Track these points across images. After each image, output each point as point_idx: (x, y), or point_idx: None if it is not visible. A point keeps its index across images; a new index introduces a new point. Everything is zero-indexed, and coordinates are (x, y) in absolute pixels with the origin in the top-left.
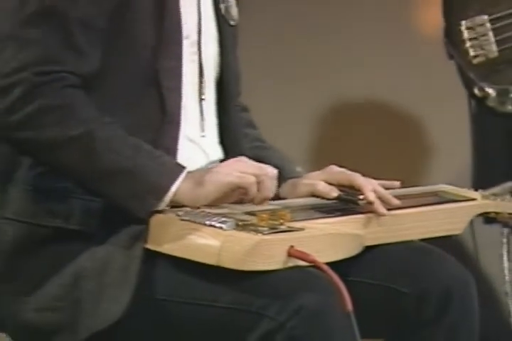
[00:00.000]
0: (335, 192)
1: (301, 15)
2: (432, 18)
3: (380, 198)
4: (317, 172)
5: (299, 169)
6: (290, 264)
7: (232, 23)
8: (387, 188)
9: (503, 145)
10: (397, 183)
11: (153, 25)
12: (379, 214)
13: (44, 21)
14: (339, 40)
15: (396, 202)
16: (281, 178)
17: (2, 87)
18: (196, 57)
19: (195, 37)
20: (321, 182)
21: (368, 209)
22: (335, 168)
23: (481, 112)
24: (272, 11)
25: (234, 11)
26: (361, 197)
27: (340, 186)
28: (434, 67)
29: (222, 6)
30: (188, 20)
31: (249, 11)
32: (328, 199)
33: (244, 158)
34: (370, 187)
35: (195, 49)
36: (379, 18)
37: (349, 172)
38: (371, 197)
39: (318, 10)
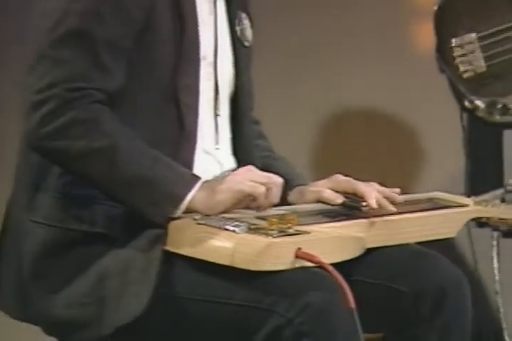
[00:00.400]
0: (340, 199)
1: (306, 28)
2: (427, 34)
3: (379, 204)
4: (323, 181)
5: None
6: (297, 265)
7: (246, 44)
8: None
9: (493, 154)
10: (397, 190)
11: (173, 46)
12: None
13: (74, 42)
14: (340, 53)
15: (392, 209)
16: (290, 186)
17: (35, 101)
18: (212, 76)
19: (211, 58)
20: (327, 189)
21: (369, 214)
22: (340, 177)
23: (472, 123)
24: (280, 23)
25: (248, 33)
26: (364, 203)
27: (344, 193)
28: (429, 79)
29: (237, 29)
30: (206, 42)
31: (259, 24)
32: (333, 205)
33: (253, 168)
34: (373, 195)
35: (212, 69)
36: (379, 33)
37: (353, 180)
38: (373, 204)
39: (322, 24)
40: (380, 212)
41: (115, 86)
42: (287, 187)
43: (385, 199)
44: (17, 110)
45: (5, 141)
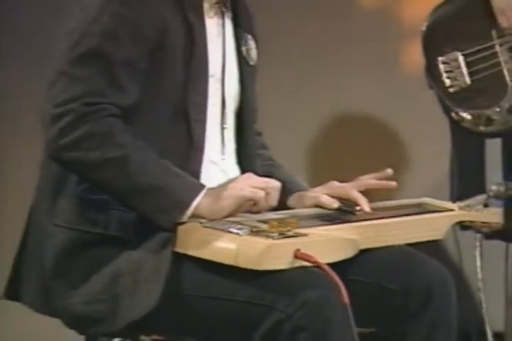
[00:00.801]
0: (336, 204)
1: (310, 40)
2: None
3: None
4: (320, 187)
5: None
6: (296, 265)
7: (251, 63)
8: (380, 179)
9: (476, 162)
10: (389, 171)
11: (183, 65)
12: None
13: (92, 61)
14: (338, 68)
15: (393, 184)
16: (290, 191)
17: (55, 114)
18: (220, 92)
19: (219, 75)
20: (324, 195)
21: (362, 218)
22: (335, 183)
23: (458, 134)
24: (285, 37)
25: (253, 53)
26: (358, 208)
27: (339, 199)
28: (419, 94)
29: (243, 49)
30: (214, 61)
31: (267, 35)
32: (329, 209)
33: (252, 175)
34: (365, 199)
35: (219, 85)
36: (377, 52)
37: (347, 187)
38: (367, 208)
39: (325, 36)
40: (371, 216)
41: (129, 102)
42: (287, 192)
43: (376, 182)
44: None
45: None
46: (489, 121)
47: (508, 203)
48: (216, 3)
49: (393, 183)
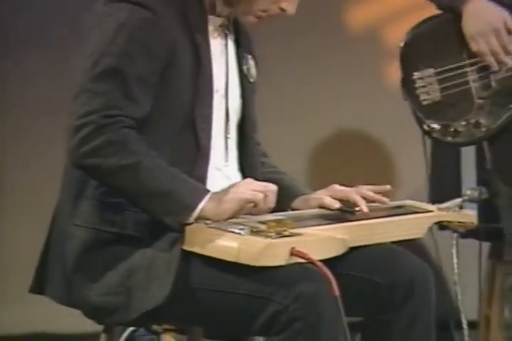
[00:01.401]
0: (338, 205)
1: (308, 64)
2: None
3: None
4: (323, 190)
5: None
6: (292, 261)
7: (251, 80)
8: (378, 193)
9: (453, 169)
10: (388, 187)
11: (191, 81)
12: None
13: (110, 78)
14: (331, 92)
15: (386, 200)
16: (294, 195)
17: (76, 125)
18: (223, 106)
19: (223, 91)
20: (327, 196)
21: (353, 218)
22: (336, 187)
23: (435, 143)
24: (282, 58)
25: (253, 72)
26: (357, 208)
27: (340, 200)
28: (398, 105)
29: (244, 68)
30: (218, 78)
31: (264, 59)
32: (332, 209)
33: (251, 179)
34: (364, 201)
35: (223, 100)
36: (365, 72)
37: (347, 190)
38: (365, 209)
39: (320, 59)
40: (364, 216)
41: (142, 114)
42: (292, 196)
43: (374, 195)
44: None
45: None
46: (456, 132)
47: (481, 206)
48: (220, 26)
49: (386, 199)
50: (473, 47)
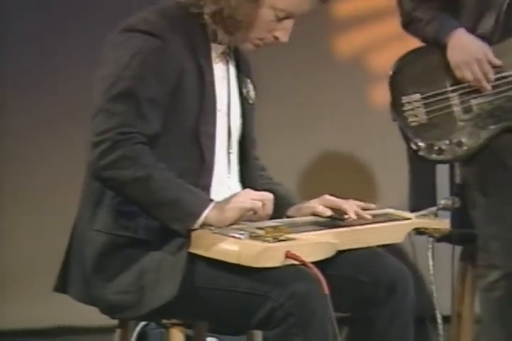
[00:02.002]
0: (329, 212)
1: (299, 90)
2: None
3: (359, 215)
4: (315, 200)
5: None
6: (287, 263)
7: (250, 102)
8: (363, 208)
9: (429, 182)
10: (373, 205)
11: (196, 101)
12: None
13: (124, 99)
14: (321, 112)
15: (368, 217)
16: (289, 204)
17: (95, 141)
18: (226, 124)
19: (225, 110)
20: (320, 205)
21: (342, 225)
22: (328, 197)
23: (415, 159)
24: (277, 85)
25: (252, 94)
26: (346, 216)
27: (331, 209)
28: (385, 128)
29: (244, 90)
30: (221, 99)
31: (263, 86)
32: (323, 217)
33: (250, 190)
34: (352, 209)
35: (225, 118)
36: (352, 95)
37: (337, 199)
38: (353, 216)
39: (309, 92)
40: (353, 223)
41: (153, 131)
42: (287, 205)
43: (361, 211)
44: None
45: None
46: (440, 151)
47: (454, 213)
48: (222, 53)
49: (368, 217)
50: (458, 74)
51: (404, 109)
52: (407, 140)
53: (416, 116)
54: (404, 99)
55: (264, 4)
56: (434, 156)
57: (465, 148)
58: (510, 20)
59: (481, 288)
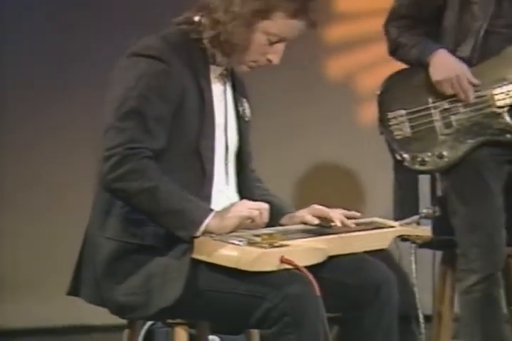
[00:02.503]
0: (317, 221)
1: (291, 107)
2: (370, 111)
3: (344, 223)
4: (304, 209)
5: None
6: (281, 267)
7: (246, 119)
8: (348, 216)
9: (412, 192)
10: (357, 214)
11: (197, 118)
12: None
13: (132, 117)
14: (314, 129)
15: (352, 225)
16: (282, 213)
17: (106, 156)
18: (224, 139)
19: (223, 126)
20: (308, 215)
21: (332, 232)
22: (316, 206)
23: (399, 170)
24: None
25: (247, 112)
26: (333, 224)
27: (319, 217)
28: (371, 142)
29: (240, 109)
30: (219, 116)
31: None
32: (311, 225)
33: (246, 200)
34: (338, 218)
35: (223, 134)
36: (341, 113)
37: (324, 209)
38: (339, 223)
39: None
40: (340, 230)
41: (159, 146)
42: (280, 214)
43: (346, 220)
44: None
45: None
46: (423, 162)
47: (435, 222)
48: (220, 75)
49: (352, 225)
50: (440, 89)
51: (391, 123)
52: (393, 151)
53: (401, 129)
54: (390, 114)
55: (258, 29)
56: (417, 167)
57: (446, 159)
58: (487, 46)
59: (460, 290)
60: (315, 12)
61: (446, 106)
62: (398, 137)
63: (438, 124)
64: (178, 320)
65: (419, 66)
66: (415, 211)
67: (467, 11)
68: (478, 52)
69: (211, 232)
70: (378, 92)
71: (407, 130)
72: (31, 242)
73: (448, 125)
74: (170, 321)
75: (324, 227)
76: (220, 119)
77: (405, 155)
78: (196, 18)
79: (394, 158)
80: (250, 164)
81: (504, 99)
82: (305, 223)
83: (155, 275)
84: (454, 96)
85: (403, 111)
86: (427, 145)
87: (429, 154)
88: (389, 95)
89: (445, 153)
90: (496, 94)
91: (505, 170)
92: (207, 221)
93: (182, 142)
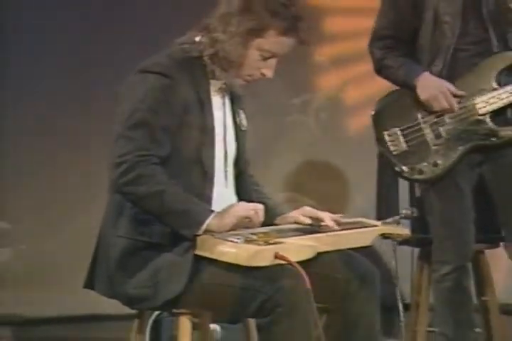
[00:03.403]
0: (308, 221)
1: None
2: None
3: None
4: (297, 210)
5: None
6: (276, 262)
7: (243, 129)
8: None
9: (393, 195)
10: (340, 219)
11: (198, 128)
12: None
13: (140, 127)
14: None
15: (337, 227)
16: (277, 214)
17: (116, 163)
18: (223, 147)
19: (222, 135)
20: (301, 215)
21: (322, 231)
22: (307, 208)
23: (383, 174)
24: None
25: (244, 122)
26: (323, 223)
27: (310, 217)
28: (359, 152)
29: (237, 119)
30: (218, 126)
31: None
32: (303, 224)
33: (243, 202)
34: (328, 219)
35: (222, 142)
36: (331, 124)
37: (315, 210)
38: (330, 224)
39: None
40: (329, 229)
41: (165, 153)
42: (275, 215)
43: (336, 219)
44: None
45: None
46: (421, 171)
47: (414, 221)
48: (219, 88)
49: (337, 228)
50: (429, 107)
51: (387, 140)
52: (392, 165)
53: (397, 145)
54: (386, 133)
55: (252, 46)
56: (416, 176)
57: (441, 167)
58: (456, 61)
59: (434, 279)
60: (304, 30)
61: (435, 119)
62: (395, 152)
63: (429, 136)
64: (183, 310)
65: (406, 88)
66: (395, 211)
67: (439, 30)
68: (447, 67)
69: (212, 231)
70: (373, 113)
71: (402, 145)
72: (56, 244)
73: (438, 136)
74: (175, 311)
75: (314, 227)
76: (219, 128)
77: (403, 168)
78: (197, 39)
79: (393, 170)
80: (248, 169)
81: (485, 106)
82: (298, 223)
83: (162, 269)
84: (440, 111)
85: (397, 129)
86: (422, 156)
87: (425, 164)
88: (382, 115)
89: (439, 162)
90: (477, 104)
91: (475, 171)
92: (208, 220)
93: (184, 149)
